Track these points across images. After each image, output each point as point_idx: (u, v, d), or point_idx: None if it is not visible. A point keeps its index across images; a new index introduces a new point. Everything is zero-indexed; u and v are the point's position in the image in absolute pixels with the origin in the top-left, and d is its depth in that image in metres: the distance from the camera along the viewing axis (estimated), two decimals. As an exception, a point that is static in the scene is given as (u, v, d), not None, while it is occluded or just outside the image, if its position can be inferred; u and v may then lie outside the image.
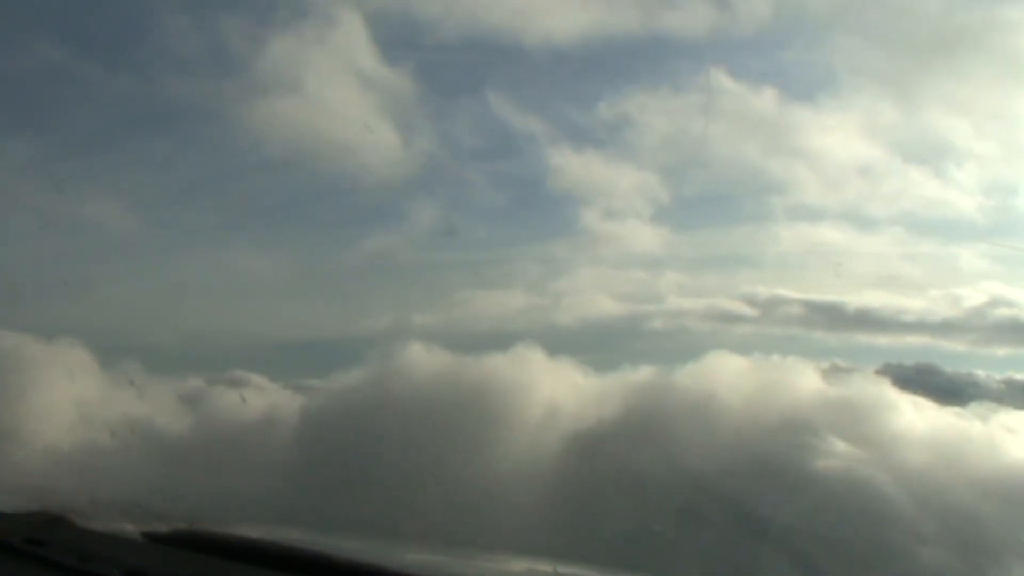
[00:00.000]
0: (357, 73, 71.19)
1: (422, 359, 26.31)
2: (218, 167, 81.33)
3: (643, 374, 27.73)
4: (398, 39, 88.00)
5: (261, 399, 28.38)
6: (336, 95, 66.13)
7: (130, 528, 2.75)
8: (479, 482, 19.70)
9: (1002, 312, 60.61)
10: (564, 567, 2.85)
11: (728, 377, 25.56)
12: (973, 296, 61.50)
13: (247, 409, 26.28)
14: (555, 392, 24.81)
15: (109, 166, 72.81)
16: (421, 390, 24.21)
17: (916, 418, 24.31)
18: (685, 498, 18.90)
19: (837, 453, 21.12)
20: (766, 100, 74.40)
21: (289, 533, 2.93)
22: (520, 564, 3.15)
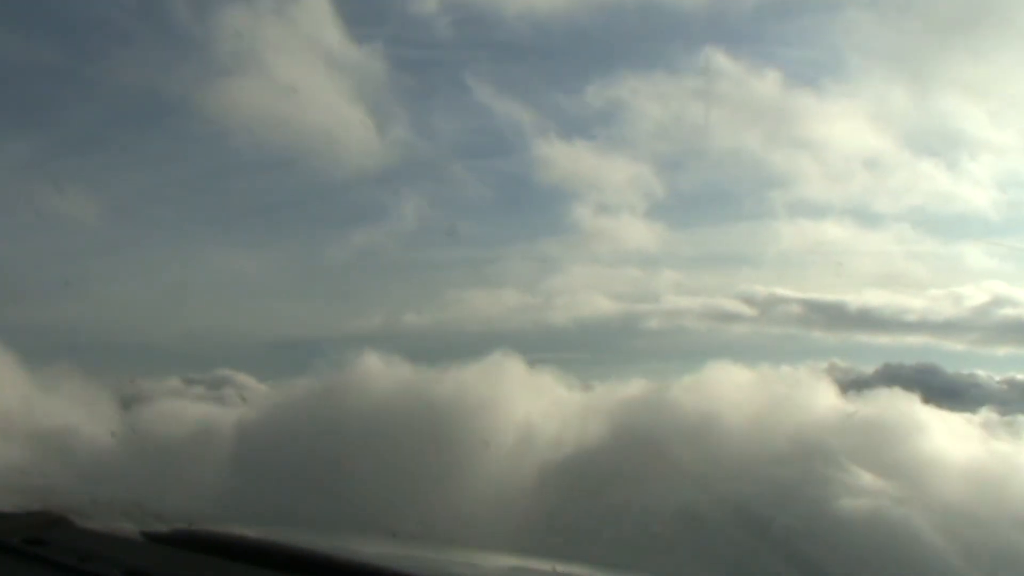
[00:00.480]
0: (322, 52, 66.70)
1: (378, 372, 23.10)
2: (173, 156, 75.56)
3: (634, 389, 24.57)
4: (366, 13, 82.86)
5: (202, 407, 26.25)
6: (299, 76, 61.41)
7: (130, 528, 2.76)
8: (436, 522, 16.22)
9: (1005, 312, 59.10)
10: (563, 567, 2.82)
11: (731, 392, 22.59)
12: (975, 295, 60.26)
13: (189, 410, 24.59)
14: (532, 412, 21.66)
15: (41, 154, 65.72)
16: (375, 410, 21.12)
17: (948, 439, 21.48)
18: (682, 540, 16.21)
19: (863, 488, 18.49)
20: (768, 84, 70.72)
21: (288, 533, 2.93)
22: (519, 564, 3.12)
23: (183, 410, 25.13)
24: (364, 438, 19.47)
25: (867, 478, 18.70)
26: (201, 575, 2.50)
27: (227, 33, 57.52)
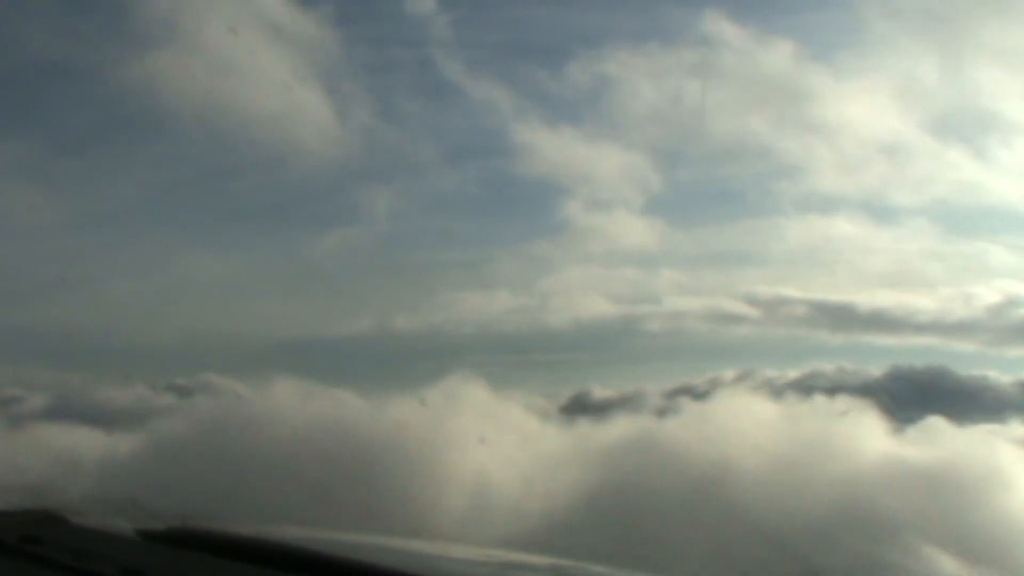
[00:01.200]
0: (264, 19, 56.72)
1: (289, 403, 17.93)
2: (97, 136, 71.83)
3: (624, 427, 19.42)
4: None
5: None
6: (237, 47, 54.29)
7: (125, 526, 2.77)
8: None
9: (1018, 313, 57.92)
10: (564, 566, 2.82)
11: (749, 433, 17.46)
12: (987, 295, 59.19)
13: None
14: (491, 460, 16.35)
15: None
16: (276, 453, 16.02)
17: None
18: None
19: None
20: (777, 57, 66.44)
21: (285, 531, 2.93)
22: (520, 564, 3.11)
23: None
24: (257, 495, 14.76)
25: (947, 564, 13.36)
26: (196, 573, 2.52)
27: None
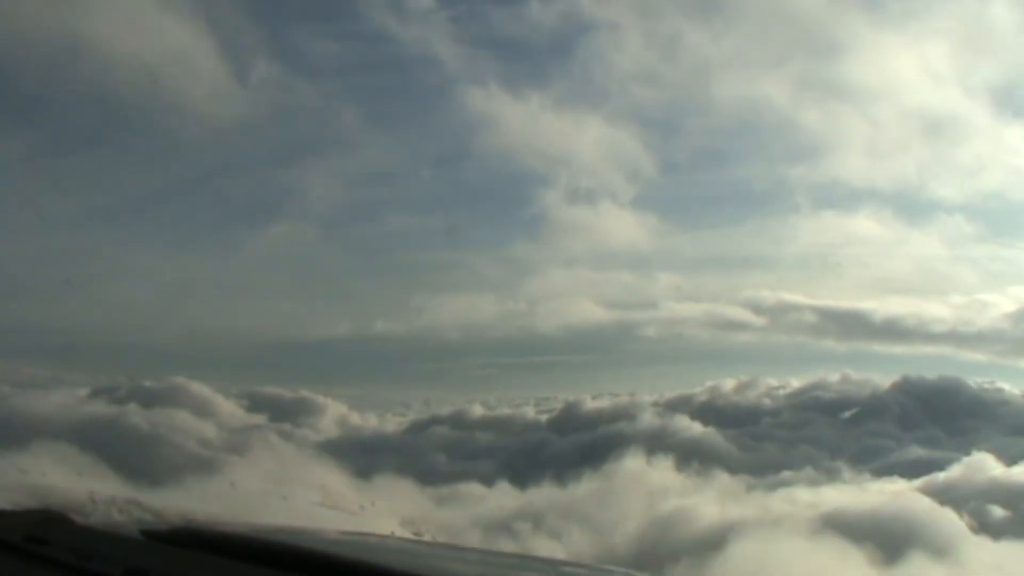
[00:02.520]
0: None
1: None
2: None
3: None
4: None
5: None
6: None
7: (130, 526, 2.78)
8: None
9: None
10: (564, 566, 2.84)
11: None
12: (1002, 303, 57.63)
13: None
14: None
15: None
16: None
17: None
18: None
19: None
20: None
21: (289, 531, 2.95)
22: (520, 563, 3.13)
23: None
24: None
25: None
26: (200, 573, 2.53)
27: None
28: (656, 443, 46.86)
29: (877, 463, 50.19)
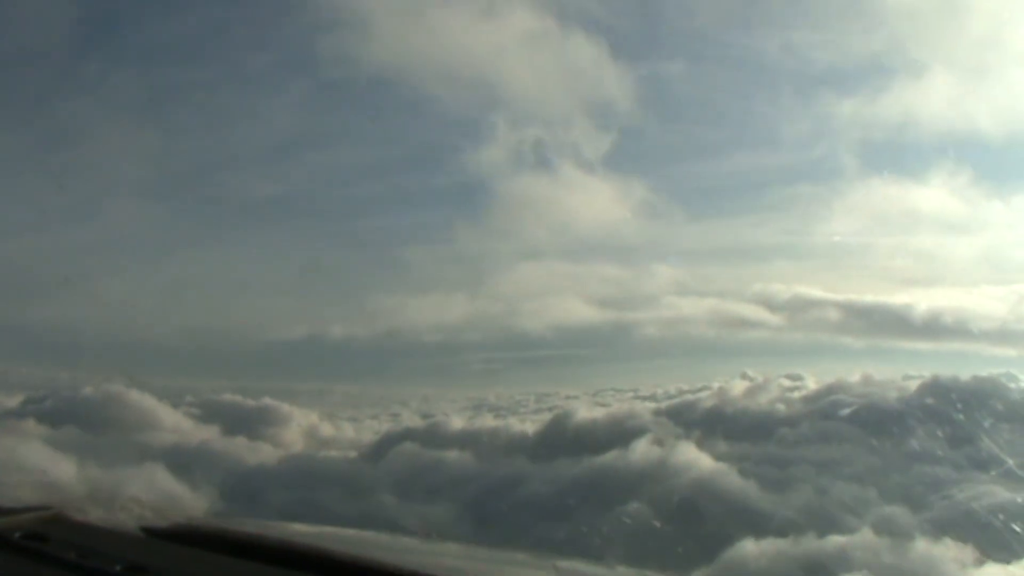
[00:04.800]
0: None
1: None
2: None
3: None
4: None
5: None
6: None
7: (129, 523, 2.80)
8: None
9: None
10: (563, 564, 2.85)
11: None
12: None
13: None
14: None
15: None
16: None
17: None
18: None
19: None
20: None
21: (289, 529, 2.96)
22: (523, 561, 3.14)
23: None
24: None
25: None
26: (201, 570, 2.55)
27: None
28: (654, 488, 38.16)
29: (941, 503, 35.98)
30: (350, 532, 3.33)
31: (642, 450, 43.96)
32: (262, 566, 2.50)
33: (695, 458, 42.46)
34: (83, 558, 2.46)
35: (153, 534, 2.75)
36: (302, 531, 3.00)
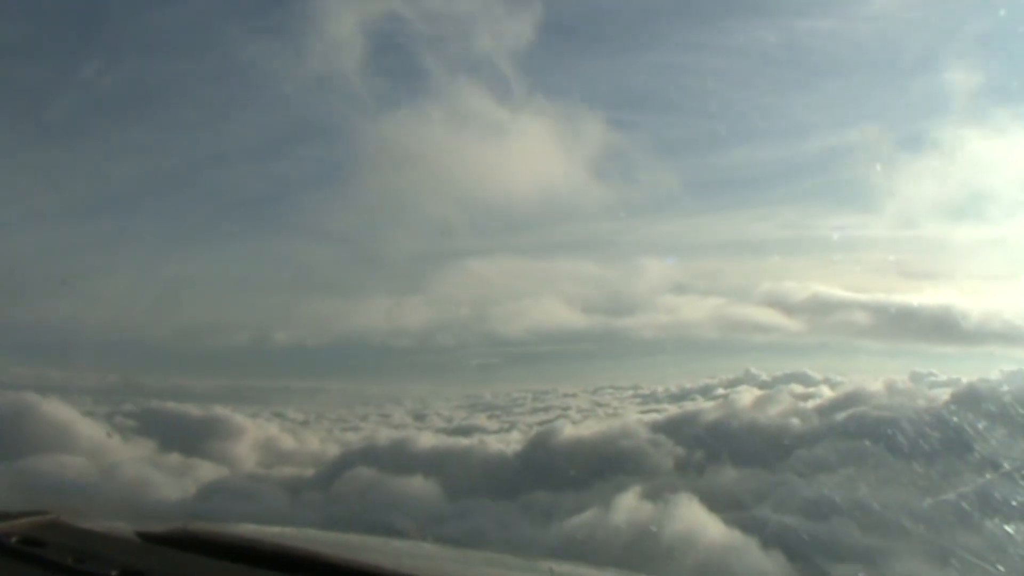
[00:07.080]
0: None
1: None
2: None
3: None
4: None
5: None
6: None
7: (125, 528, 2.81)
8: None
9: None
10: (560, 567, 2.86)
11: None
12: None
13: None
14: None
15: None
16: None
17: None
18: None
19: None
20: None
21: (285, 533, 2.97)
22: (517, 564, 3.16)
23: None
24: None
25: None
26: (196, 575, 2.53)
27: None
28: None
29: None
30: (345, 536, 3.34)
31: (629, 508, 33.56)
32: (258, 571, 2.51)
33: (700, 522, 31.55)
34: (79, 563, 2.47)
35: (149, 539, 2.76)
36: (297, 535, 3.01)
